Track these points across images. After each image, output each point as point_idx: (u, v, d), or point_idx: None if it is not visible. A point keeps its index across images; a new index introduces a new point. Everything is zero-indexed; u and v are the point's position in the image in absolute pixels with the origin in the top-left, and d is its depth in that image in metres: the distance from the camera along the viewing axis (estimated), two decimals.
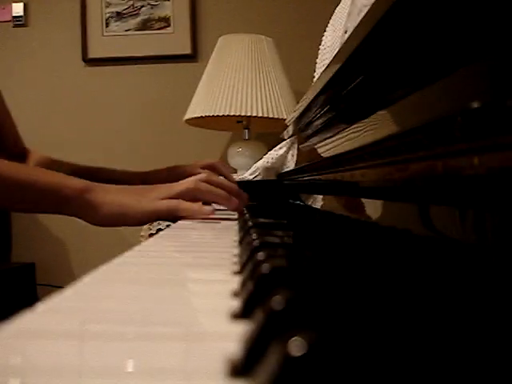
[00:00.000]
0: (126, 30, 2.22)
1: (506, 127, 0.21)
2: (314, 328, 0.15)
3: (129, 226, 0.75)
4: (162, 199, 0.73)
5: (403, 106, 0.36)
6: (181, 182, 0.78)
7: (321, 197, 0.75)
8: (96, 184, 0.73)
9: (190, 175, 0.80)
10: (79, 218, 0.73)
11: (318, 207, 0.76)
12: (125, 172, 1.09)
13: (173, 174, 1.01)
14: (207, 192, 0.76)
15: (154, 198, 0.73)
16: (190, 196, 0.75)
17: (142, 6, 2.22)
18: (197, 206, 0.74)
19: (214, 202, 0.79)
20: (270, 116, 1.73)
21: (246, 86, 1.75)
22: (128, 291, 0.29)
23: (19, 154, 1.11)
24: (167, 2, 2.20)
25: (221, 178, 0.84)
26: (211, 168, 1.01)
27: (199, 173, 0.83)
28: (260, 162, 1.37)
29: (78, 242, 2.21)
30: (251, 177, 1.37)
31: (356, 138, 0.49)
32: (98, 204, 0.71)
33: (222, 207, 0.82)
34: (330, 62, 0.59)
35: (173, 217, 0.75)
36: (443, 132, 0.27)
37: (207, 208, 0.75)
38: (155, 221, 0.77)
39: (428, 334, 0.17)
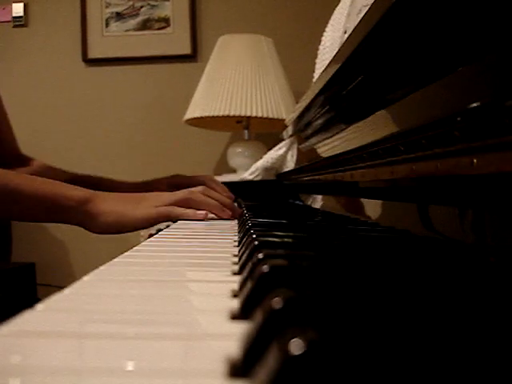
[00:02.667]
0: (126, 31, 2.22)
1: (506, 127, 0.21)
2: (314, 327, 0.15)
3: (126, 232, 0.78)
4: (158, 207, 0.76)
5: (402, 106, 0.36)
6: (177, 192, 0.81)
7: (320, 197, 0.75)
8: (95, 193, 0.75)
9: (189, 187, 0.83)
10: (81, 227, 0.76)
11: (318, 207, 0.76)
12: (125, 183, 1.11)
13: (172, 185, 1.03)
14: (201, 202, 0.79)
15: (149, 205, 0.76)
16: (184, 204, 0.78)
17: (142, 7, 2.22)
18: (190, 210, 0.77)
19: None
20: (270, 116, 1.73)
21: (245, 87, 1.75)
22: (128, 291, 0.29)
23: (14, 158, 1.12)
24: (167, 2, 2.20)
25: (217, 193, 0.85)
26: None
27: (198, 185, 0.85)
28: (260, 162, 1.37)
29: (78, 242, 2.21)
30: (251, 177, 1.37)
31: (355, 138, 0.49)
32: (97, 214, 0.74)
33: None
34: (330, 62, 0.59)
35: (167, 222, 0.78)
36: (443, 132, 0.27)
37: (200, 212, 0.77)
38: (151, 226, 0.79)
39: (428, 333, 0.17)
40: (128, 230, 0.77)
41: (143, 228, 0.78)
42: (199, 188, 0.82)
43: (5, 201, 0.72)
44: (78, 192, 0.74)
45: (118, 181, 1.12)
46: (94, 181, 1.09)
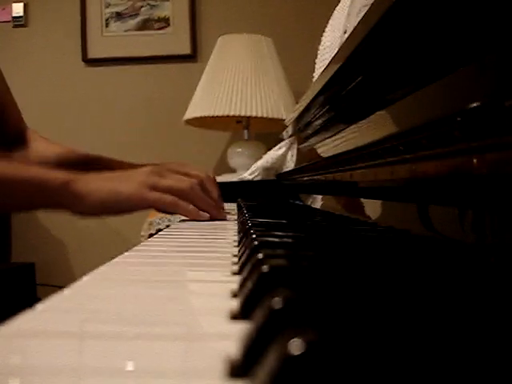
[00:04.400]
0: (126, 31, 2.22)
1: (506, 127, 0.21)
2: (314, 327, 0.15)
3: (122, 213, 0.73)
4: (152, 187, 0.71)
5: (402, 106, 0.36)
6: (173, 176, 0.75)
7: (320, 197, 0.75)
8: (79, 174, 0.71)
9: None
10: (68, 210, 0.71)
11: (318, 207, 0.76)
12: (122, 162, 1.06)
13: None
14: (201, 199, 0.75)
15: (144, 184, 0.71)
16: (183, 196, 0.73)
17: (142, 7, 2.22)
18: (193, 209, 0.74)
19: (202, 210, 0.77)
20: (270, 116, 1.73)
21: (245, 86, 1.75)
22: (128, 291, 0.29)
23: (20, 133, 1.05)
24: (167, 2, 2.20)
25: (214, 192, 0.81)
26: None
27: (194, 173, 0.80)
28: (259, 162, 1.37)
29: (78, 242, 2.21)
30: (251, 177, 1.37)
31: (355, 138, 0.49)
32: (85, 193, 0.69)
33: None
34: (330, 62, 0.59)
35: (163, 211, 0.74)
36: (443, 132, 0.27)
37: (204, 213, 0.75)
38: (144, 209, 0.73)
39: (428, 333, 0.17)
40: (120, 208, 0.71)
41: (139, 209, 0.72)
42: (197, 181, 0.76)
43: None
44: (59, 174, 0.70)
45: (117, 160, 1.06)
46: (92, 158, 1.03)
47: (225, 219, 0.79)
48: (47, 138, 1.12)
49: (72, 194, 0.69)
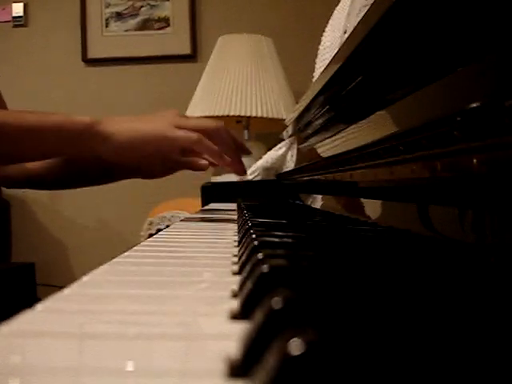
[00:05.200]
0: (126, 30, 2.22)
1: (506, 127, 0.21)
2: (314, 327, 0.15)
3: (147, 157, 0.71)
4: (177, 126, 0.71)
5: (402, 106, 0.36)
6: (198, 119, 0.75)
7: (320, 197, 0.75)
8: (102, 118, 0.70)
9: None
10: (93, 152, 0.70)
11: (318, 207, 0.76)
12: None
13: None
14: (225, 141, 0.74)
15: (169, 124, 0.70)
16: (208, 136, 0.72)
17: (142, 6, 2.22)
18: (218, 151, 0.73)
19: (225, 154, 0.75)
20: (270, 116, 1.73)
21: (245, 87, 1.75)
22: (127, 291, 0.29)
23: None
24: (167, 2, 2.20)
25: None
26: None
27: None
28: (259, 162, 1.37)
29: (78, 242, 2.21)
30: (251, 177, 1.37)
31: (355, 138, 0.49)
32: (111, 133, 0.68)
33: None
34: (330, 62, 0.59)
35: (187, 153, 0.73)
36: (443, 132, 0.27)
37: (226, 158, 0.73)
38: (169, 148, 0.71)
39: (428, 333, 0.17)
40: (146, 149, 0.69)
41: (163, 149, 0.70)
42: (223, 127, 0.75)
43: (9, 140, 0.66)
44: (82, 117, 0.68)
45: None
46: None
47: (245, 174, 0.77)
48: None
49: (97, 135, 0.68)
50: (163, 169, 0.80)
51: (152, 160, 0.73)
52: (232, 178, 1.66)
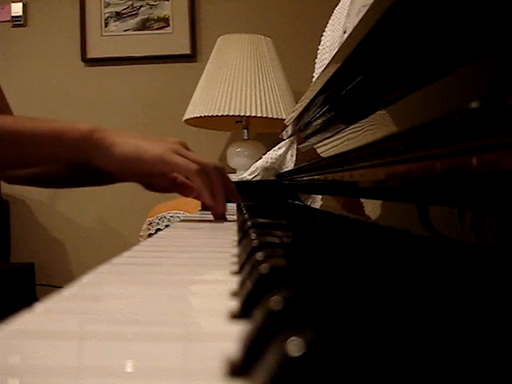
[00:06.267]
0: (125, 30, 2.22)
1: (506, 127, 0.21)
2: (313, 328, 0.15)
3: (141, 176, 0.71)
4: (178, 154, 0.71)
5: (402, 106, 0.36)
6: (198, 154, 0.74)
7: (320, 197, 0.75)
8: (102, 127, 0.70)
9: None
10: (89, 162, 0.69)
11: (317, 207, 0.75)
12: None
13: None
14: (219, 182, 0.74)
15: (170, 149, 0.71)
16: (206, 171, 0.72)
17: (141, 6, 2.22)
18: (209, 191, 0.72)
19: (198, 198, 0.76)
20: (269, 116, 1.73)
21: (245, 86, 1.75)
22: (127, 291, 0.29)
23: None
24: (166, 2, 2.20)
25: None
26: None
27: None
28: (259, 162, 1.37)
29: (77, 242, 2.21)
30: (250, 177, 1.37)
31: (355, 138, 0.49)
32: (110, 144, 0.68)
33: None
34: (329, 62, 0.59)
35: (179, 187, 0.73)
36: (442, 132, 0.27)
37: (218, 211, 0.74)
38: (166, 171, 0.71)
39: (427, 334, 0.17)
40: (142, 167, 0.69)
41: (158, 171, 0.70)
42: (220, 168, 0.75)
43: (5, 145, 0.66)
44: (82, 124, 0.69)
45: None
46: None
47: (223, 219, 0.78)
48: None
49: (96, 144, 0.67)
50: (159, 188, 0.81)
51: (149, 178, 0.74)
52: (232, 178, 1.66)
